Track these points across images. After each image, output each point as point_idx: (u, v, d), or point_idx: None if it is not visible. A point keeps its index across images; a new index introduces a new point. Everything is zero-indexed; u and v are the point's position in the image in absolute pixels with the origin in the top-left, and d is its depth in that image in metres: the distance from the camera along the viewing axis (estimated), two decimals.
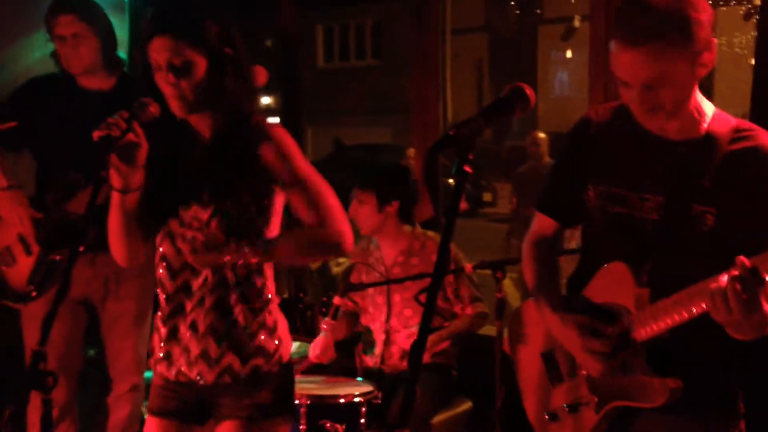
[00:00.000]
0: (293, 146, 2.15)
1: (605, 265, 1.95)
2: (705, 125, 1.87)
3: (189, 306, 2.13)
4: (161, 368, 2.19)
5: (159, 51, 2.01)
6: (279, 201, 2.16)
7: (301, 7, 4.58)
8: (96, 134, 1.92)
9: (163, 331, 2.17)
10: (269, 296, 2.18)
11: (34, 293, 3.01)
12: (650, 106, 1.79)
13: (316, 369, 3.29)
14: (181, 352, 2.14)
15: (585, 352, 1.92)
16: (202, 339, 2.11)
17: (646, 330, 1.83)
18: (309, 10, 5.08)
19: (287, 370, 2.20)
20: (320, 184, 2.14)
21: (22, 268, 3.07)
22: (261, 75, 2.17)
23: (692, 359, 1.86)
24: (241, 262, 2.07)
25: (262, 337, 2.14)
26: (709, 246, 1.81)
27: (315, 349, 3.16)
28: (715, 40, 1.78)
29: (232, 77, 2.07)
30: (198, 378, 2.14)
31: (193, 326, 2.12)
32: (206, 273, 2.11)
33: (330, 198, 2.13)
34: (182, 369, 2.15)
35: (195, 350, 2.12)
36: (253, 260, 2.08)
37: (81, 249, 1.86)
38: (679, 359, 1.85)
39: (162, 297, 2.18)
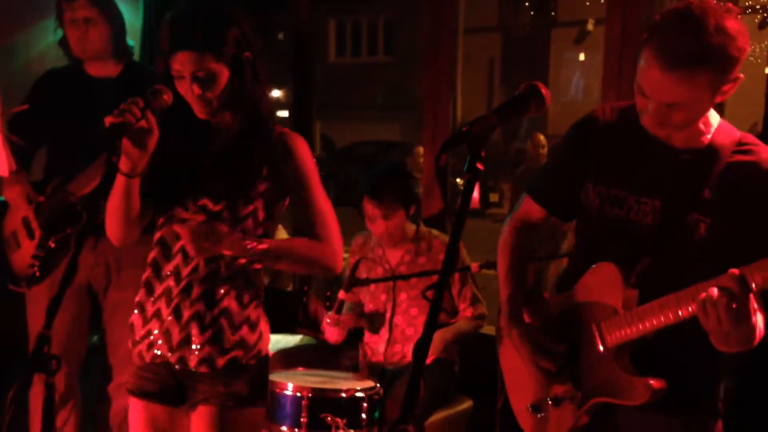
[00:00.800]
0: (309, 158, 2.20)
1: (595, 265, 1.98)
2: (709, 136, 1.89)
3: (175, 291, 2.15)
4: (141, 348, 2.21)
5: (183, 64, 2.06)
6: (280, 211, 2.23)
7: (314, 1, 4.57)
8: (108, 120, 1.93)
9: (147, 312, 2.20)
10: (258, 291, 2.22)
11: (36, 274, 3.01)
12: (662, 121, 1.81)
13: (318, 363, 3.29)
14: (161, 335, 2.16)
15: (533, 363, 2.03)
16: (185, 326, 2.13)
17: (633, 330, 1.86)
18: (322, 4, 5.07)
19: (264, 362, 2.24)
20: (326, 202, 2.21)
21: (25, 252, 3.08)
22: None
23: (675, 359, 1.90)
24: (235, 256, 2.09)
25: (245, 330, 2.16)
26: (700, 253, 1.84)
27: (332, 335, 3.22)
28: (742, 76, 1.77)
29: (252, 81, 2.13)
30: (176, 364, 2.16)
31: (176, 311, 2.14)
32: (198, 261, 2.13)
33: (332, 217, 2.21)
34: (161, 352, 2.17)
35: (176, 336, 2.14)
36: (242, 261, 2.10)
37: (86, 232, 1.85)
38: (662, 359, 1.89)
39: (151, 278, 2.20)
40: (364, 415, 2.85)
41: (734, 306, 1.62)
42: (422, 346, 1.40)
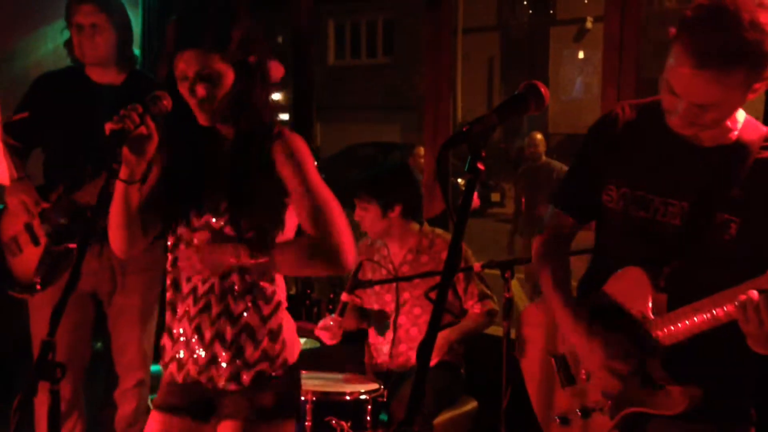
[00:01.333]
0: (307, 156, 2.14)
1: (621, 269, 1.92)
2: (736, 132, 1.84)
3: (194, 311, 2.13)
4: (171, 369, 2.20)
5: (188, 63, 2.03)
6: (292, 215, 2.16)
7: (314, 2, 4.57)
8: (109, 126, 1.92)
9: (174, 334, 2.19)
10: (279, 301, 2.18)
11: (39, 286, 3.01)
12: (692, 121, 1.76)
13: (322, 366, 3.29)
14: (189, 357, 2.15)
15: (606, 370, 1.90)
16: (209, 347, 2.12)
17: (666, 336, 1.81)
18: (320, 5, 5.04)
19: (292, 373, 2.19)
20: (327, 197, 2.12)
21: (28, 258, 3.07)
22: (277, 71, 2.17)
23: (707, 366, 1.84)
24: (242, 264, 2.07)
25: (268, 342, 2.14)
26: (731, 254, 1.79)
27: (325, 338, 3.19)
28: None
29: (258, 86, 2.09)
30: (207, 382, 2.15)
31: (198, 331, 2.13)
32: (213, 280, 2.11)
33: (335, 212, 2.10)
34: (191, 373, 2.16)
35: (202, 357, 2.13)
36: (249, 278, 2.09)
37: (90, 241, 1.85)
38: (695, 366, 1.83)
39: (173, 299, 2.19)
40: (368, 418, 2.85)
41: None
42: (426, 347, 1.40)
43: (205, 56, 2.02)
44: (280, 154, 2.10)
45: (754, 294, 1.60)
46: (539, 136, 7.90)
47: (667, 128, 1.84)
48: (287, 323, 2.21)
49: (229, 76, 2.05)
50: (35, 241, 3.06)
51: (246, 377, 2.12)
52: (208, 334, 2.12)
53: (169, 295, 2.20)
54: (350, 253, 2.09)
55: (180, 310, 2.16)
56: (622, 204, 1.94)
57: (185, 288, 2.15)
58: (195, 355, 2.14)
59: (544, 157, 7.74)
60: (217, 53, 2.03)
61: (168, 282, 2.20)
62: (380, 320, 3.40)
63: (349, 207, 3.44)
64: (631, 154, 1.94)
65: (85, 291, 3.18)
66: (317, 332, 3.20)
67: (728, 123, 1.83)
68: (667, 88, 1.76)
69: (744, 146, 1.81)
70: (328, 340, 3.19)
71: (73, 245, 3.01)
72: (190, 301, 2.14)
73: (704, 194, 1.82)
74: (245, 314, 2.11)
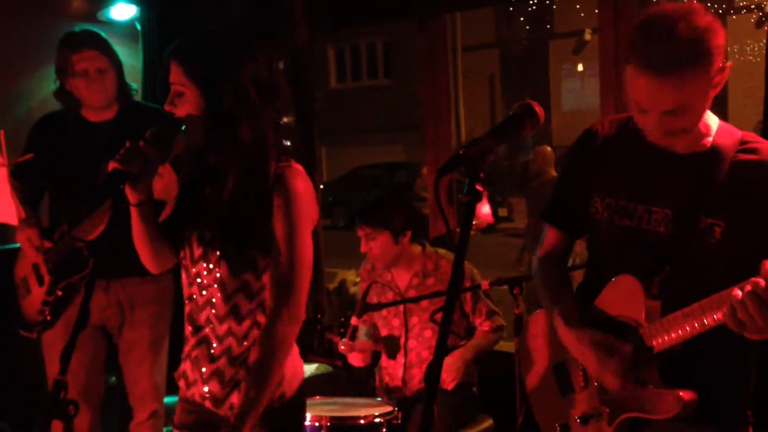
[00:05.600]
0: (299, 208, 2.03)
1: (614, 278, 1.95)
2: (710, 139, 1.89)
3: (194, 340, 2.13)
4: (181, 384, 2.20)
5: (169, 76, 2.02)
6: None
7: (312, 28, 4.60)
8: (111, 165, 1.93)
9: (185, 349, 2.18)
10: None
11: (45, 319, 3.03)
12: (669, 130, 1.81)
13: (335, 391, 3.29)
14: (194, 379, 2.14)
15: (602, 369, 1.92)
16: (208, 380, 2.10)
17: (659, 342, 1.83)
18: (318, 31, 5.07)
19: (291, 405, 2.12)
20: (307, 252, 2.02)
21: (35, 298, 3.11)
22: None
23: (703, 369, 1.87)
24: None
25: None
26: (718, 257, 1.83)
27: (356, 360, 3.26)
28: (729, 63, 1.79)
29: (246, 129, 1.99)
30: (210, 408, 2.13)
31: (197, 362, 2.11)
32: (218, 323, 2.08)
33: (307, 269, 2.02)
34: (195, 396, 2.15)
35: (203, 386, 2.11)
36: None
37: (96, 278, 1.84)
38: (691, 369, 1.86)
39: (185, 315, 2.18)
40: None
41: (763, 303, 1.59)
42: (434, 369, 1.40)
43: (177, 68, 1.99)
44: (276, 198, 2.02)
45: (738, 293, 1.63)
46: (548, 149, 7.53)
47: (644, 139, 1.89)
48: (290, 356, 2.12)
49: (195, 95, 1.98)
50: (40, 281, 3.09)
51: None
52: (207, 370, 2.10)
53: (186, 329, 2.19)
54: (302, 308, 2.04)
55: (186, 330, 2.16)
56: (607, 215, 1.98)
57: (200, 319, 2.13)
58: (198, 380, 2.12)
59: (552, 172, 7.26)
60: (183, 67, 1.98)
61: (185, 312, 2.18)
62: (390, 345, 3.40)
63: (353, 229, 3.45)
64: (612, 166, 1.99)
65: (94, 325, 3.20)
66: (346, 352, 3.22)
67: (702, 129, 1.88)
68: (636, 109, 1.82)
69: (719, 151, 1.86)
70: (358, 362, 3.23)
71: (73, 281, 3.03)
72: (194, 338, 2.13)
73: (686, 200, 1.86)
74: (246, 354, 2.07)
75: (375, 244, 3.28)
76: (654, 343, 1.84)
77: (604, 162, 2.01)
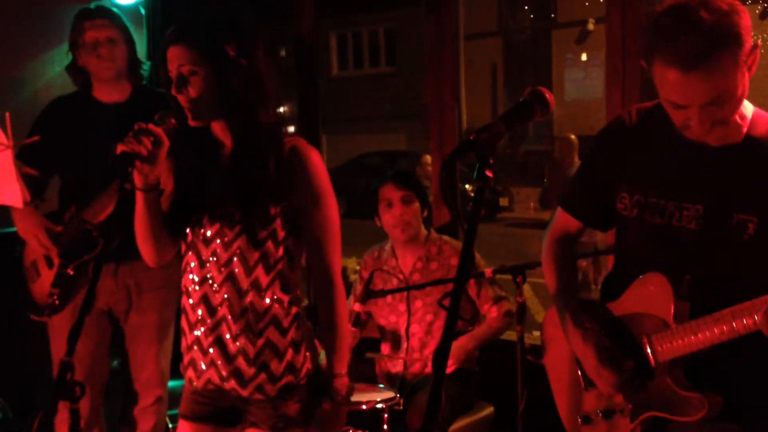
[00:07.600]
0: (320, 170, 2.14)
1: (643, 275, 1.92)
2: (745, 129, 1.82)
3: (211, 322, 2.14)
4: (190, 375, 2.21)
5: (171, 60, 2.04)
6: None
7: (317, 14, 4.59)
8: (120, 148, 1.94)
9: (189, 338, 2.19)
10: (296, 311, 2.18)
11: (56, 302, 3.03)
12: (711, 122, 1.73)
13: None
14: (210, 365, 2.15)
15: (598, 375, 1.93)
16: (231, 361, 2.12)
17: (686, 345, 1.81)
18: (321, 18, 5.06)
19: (314, 381, 2.20)
20: (335, 218, 2.16)
21: (45, 281, 3.10)
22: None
23: (731, 371, 1.84)
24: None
25: (290, 354, 2.14)
26: (751, 256, 1.77)
27: None
28: (759, 43, 1.71)
29: (243, 85, 2.05)
30: (231, 391, 2.16)
31: (220, 345, 2.13)
32: (230, 297, 2.11)
33: (338, 235, 2.17)
34: (213, 380, 2.16)
35: (225, 369, 2.13)
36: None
37: (104, 261, 1.86)
38: (718, 372, 1.83)
39: (186, 304, 2.20)
40: (385, 426, 2.85)
41: None
42: (441, 355, 1.41)
43: (183, 52, 2.02)
44: (295, 169, 2.10)
45: None
46: (572, 137, 7.28)
47: (675, 132, 1.82)
48: (308, 331, 2.21)
49: (206, 72, 2.03)
50: (50, 264, 3.09)
51: (271, 389, 2.13)
52: (232, 349, 2.12)
53: (183, 298, 2.21)
54: (339, 273, 2.18)
55: (195, 317, 2.17)
56: (636, 212, 1.93)
57: (198, 296, 2.15)
58: (217, 367, 2.14)
59: (577, 160, 7.13)
60: (197, 50, 2.02)
61: (182, 286, 2.21)
62: (394, 331, 3.41)
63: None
64: (641, 160, 1.93)
65: (101, 309, 3.20)
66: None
67: (738, 120, 1.80)
68: (671, 107, 1.76)
69: (754, 141, 1.79)
70: None
71: (85, 259, 3.03)
72: (205, 311, 2.14)
73: (718, 196, 1.80)
74: (266, 331, 2.11)
75: (411, 208, 3.29)
76: (679, 344, 1.81)
77: (632, 156, 1.94)
